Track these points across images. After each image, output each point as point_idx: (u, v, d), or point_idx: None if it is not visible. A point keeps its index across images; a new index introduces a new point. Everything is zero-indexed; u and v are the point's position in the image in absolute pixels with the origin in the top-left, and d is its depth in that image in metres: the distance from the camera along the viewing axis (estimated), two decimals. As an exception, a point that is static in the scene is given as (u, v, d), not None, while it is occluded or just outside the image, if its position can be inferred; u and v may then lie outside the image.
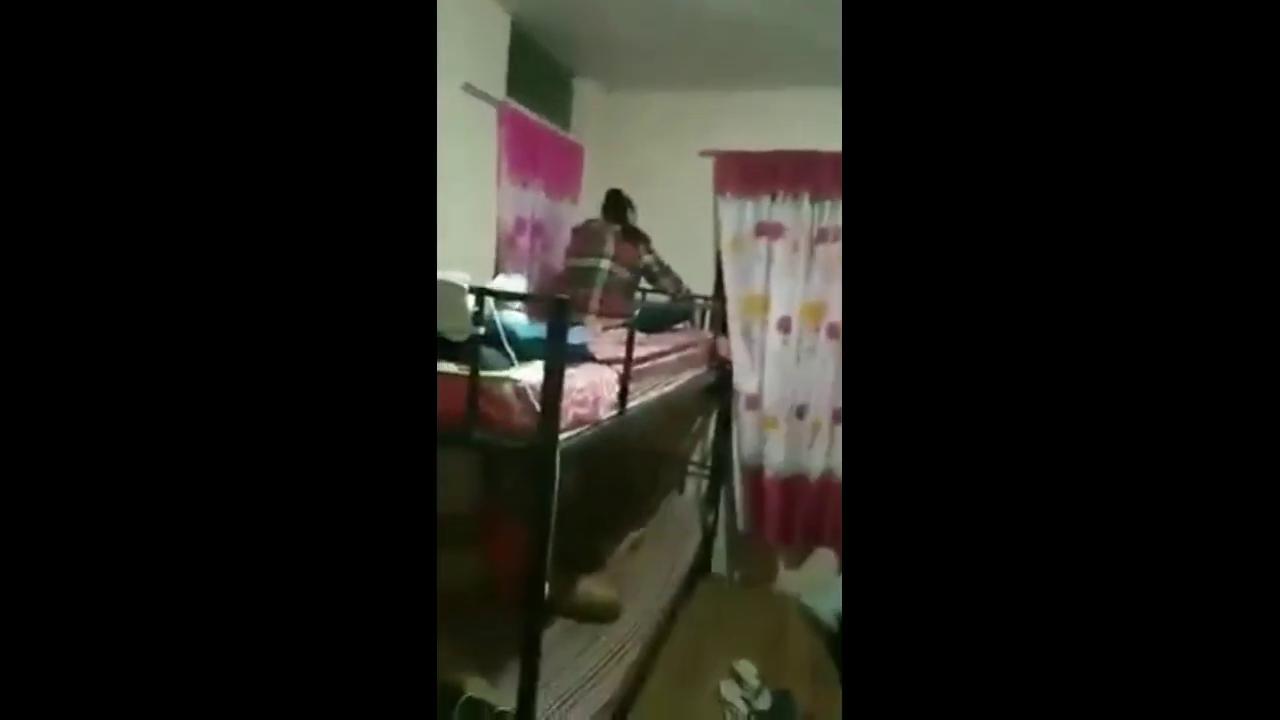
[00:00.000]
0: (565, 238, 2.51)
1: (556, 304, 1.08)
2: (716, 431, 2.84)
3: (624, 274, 2.23)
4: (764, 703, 1.99)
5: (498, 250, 2.27)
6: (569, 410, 1.18)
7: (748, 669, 2.13)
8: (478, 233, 2.21)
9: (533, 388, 1.11)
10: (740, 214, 2.64)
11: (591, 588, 1.84)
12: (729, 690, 2.04)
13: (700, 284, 2.64)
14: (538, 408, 1.10)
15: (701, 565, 2.76)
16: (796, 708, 1.99)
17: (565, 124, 2.76)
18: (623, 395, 1.43)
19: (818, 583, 2.64)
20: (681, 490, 2.94)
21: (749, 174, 2.62)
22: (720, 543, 2.89)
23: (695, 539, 2.62)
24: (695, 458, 2.94)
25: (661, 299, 2.43)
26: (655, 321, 2.13)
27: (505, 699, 1.26)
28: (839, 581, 2.49)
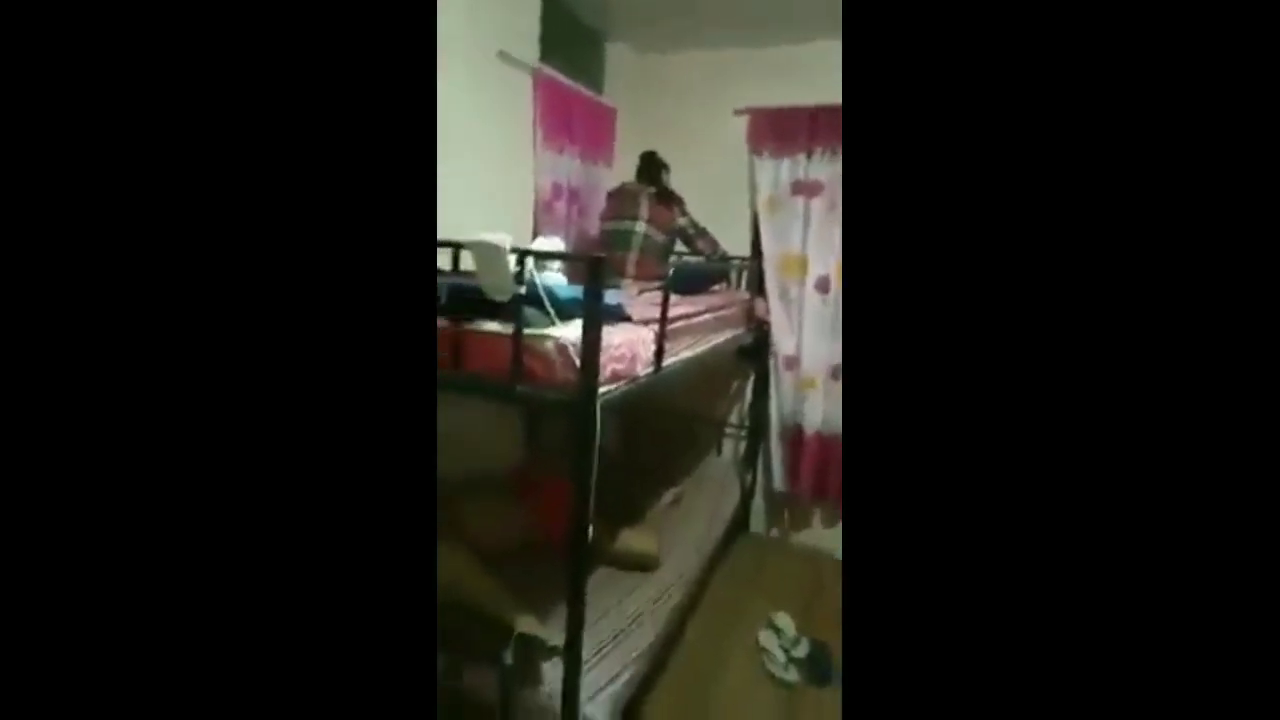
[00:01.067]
0: (600, 202, 2.53)
1: (593, 262, 1.12)
2: (754, 392, 2.87)
3: (659, 236, 2.24)
4: (801, 651, 2.06)
5: (535, 217, 2.32)
6: (607, 366, 1.23)
7: (785, 620, 2.20)
8: (515, 200, 2.26)
9: (573, 344, 1.17)
10: (776, 172, 2.61)
11: (632, 539, 1.92)
12: (767, 639, 2.11)
13: (736, 245, 2.64)
14: (577, 363, 1.15)
15: (740, 523, 2.82)
16: (832, 658, 2.05)
17: (598, 87, 2.76)
18: (659, 354, 1.47)
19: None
20: (720, 451, 2.99)
21: (784, 131, 2.58)
22: (758, 501, 2.94)
23: (734, 497, 2.68)
24: (733, 420, 2.98)
25: (697, 260, 2.44)
26: (691, 283, 2.15)
27: (554, 637, 1.35)
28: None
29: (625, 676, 1.47)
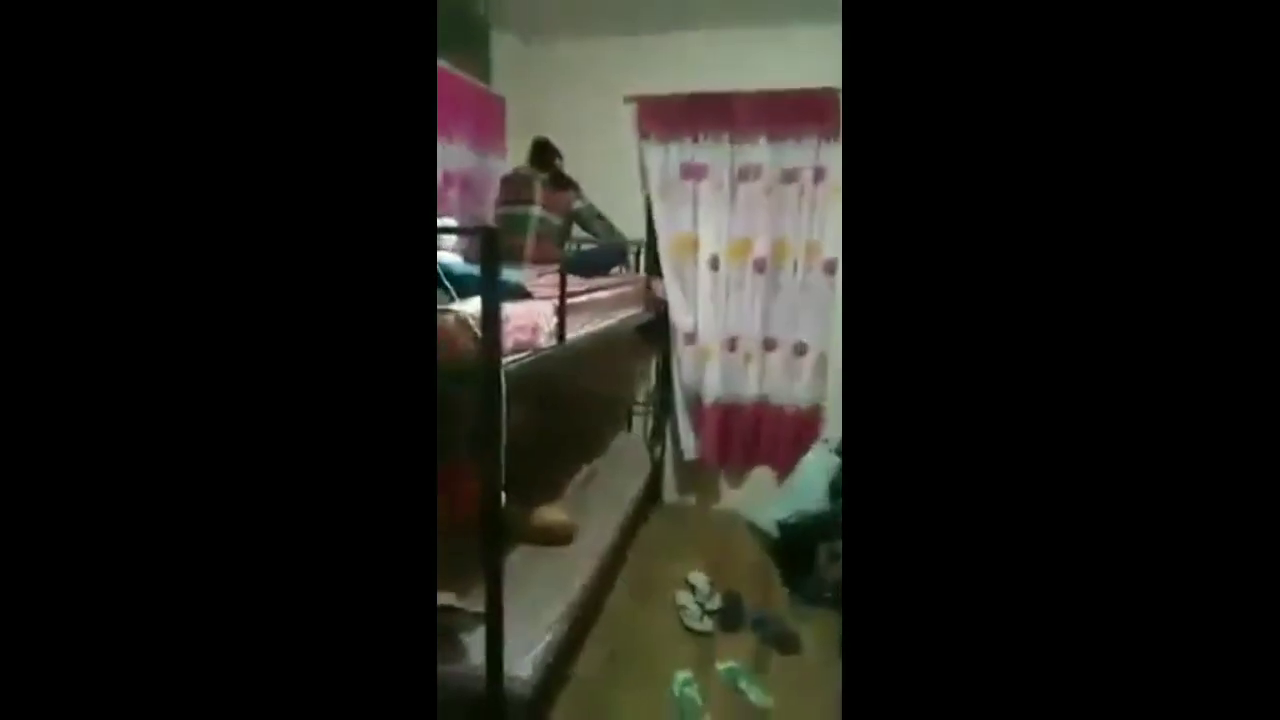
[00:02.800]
0: (494, 191, 2.54)
1: (486, 234, 1.17)
2: (657, 368, 3.00)
3: (555, 220, 2.30)
4: (714, 604, 2.20)
5: (428, 205, 2.29)
6: (509, 337, 1.28)
7: (699, 578, 2.34)
8: (406, 188, 2.22)
9: (473, 316, 1.20)
10: (665, 157, 2.73)
11: (546, 514, 1.97)
12: (684, 597, 2.24)
13: (631, 228, 2.74)
14: (479, 333, 1.19)
15: (653, 493, 2.94)
16: (745, 604, 2.21)
17: (485, 77, 2.75)
18: (560, 325, 1.53)
19: (758, 497, 2.87)
20: (629, 428, 3.10)
21: (670, 118, 2.70)
22: (668, 471, 3.08)
23: (645, 469, 2.79)
24: (640, 396, 3.09)
25: (594, 244, 2.51)
26: (589, 265, 2.22)
27: (473, 609, 1.39)
28: (777, 493, 2.72)
29: (547, 640, 1.53)
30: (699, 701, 1.74)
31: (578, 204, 2.40)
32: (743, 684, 1.81)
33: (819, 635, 2.09)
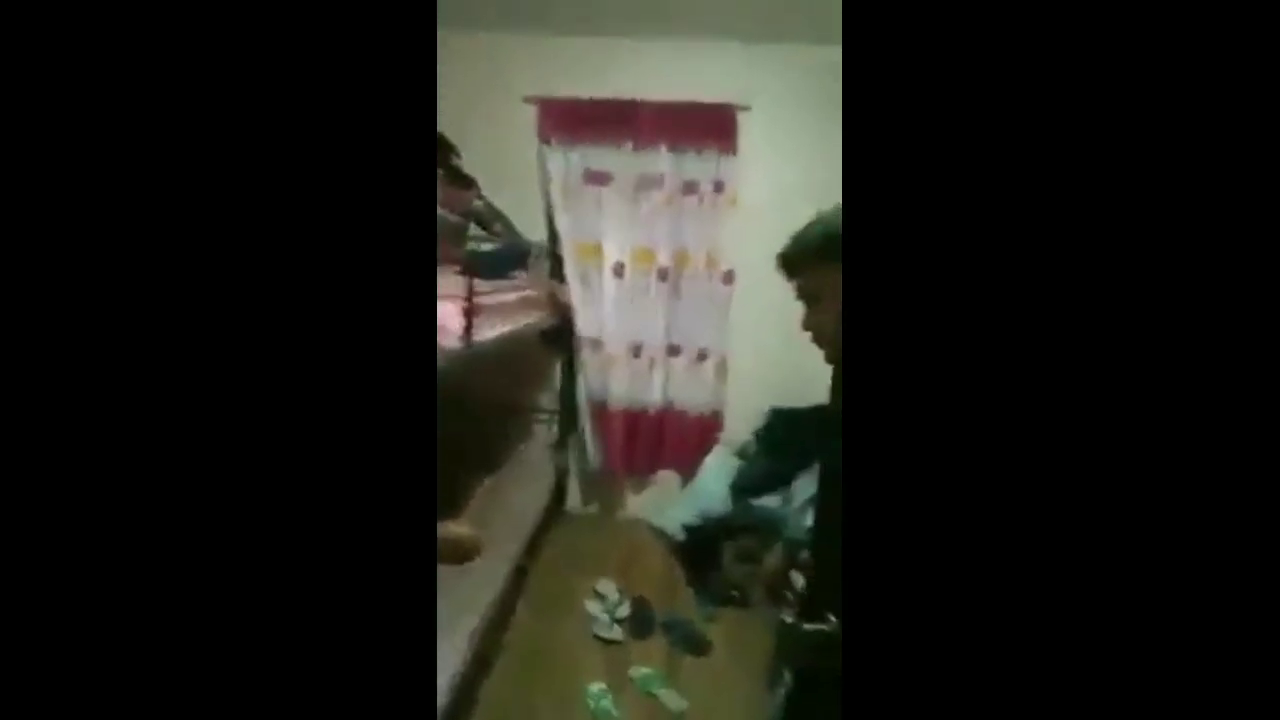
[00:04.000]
0: (386, 185, 2.38)
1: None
2: (562, 375, 2.94)
3: (452, 218, 2.18)
4: (623, 611, 2.19)
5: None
6: (414, 338, 1.19)
7: (608, 586, 2.32)
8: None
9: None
10: (567, 161, 2.70)
11: (451, 528, 1.86)
12: (593, 607, 2.20)
13: (530, 230, 2.68)
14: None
15: (557, 503, 2.88)
16: (653, 610, 2.22)
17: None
18: (468, 328, 1.45)
19: (662, 502, 2.89)
20: (533, 437, 3.01)
21: (573, 122, 2.67)
22: (573, 480, 3.02)
23: (549, 479, 2.72)
24: (544, 403, 3.02)
25: (494, 245, 2.42)
26: (489, 266, 2.13)
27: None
28: (681, 497, 2.76)
29: (457, 661, 1.43)
30: (615, 712, 1.70)
31: (476, 202, 2.30)
32: (656, 689, 1.80)
33: (727, 634, 2.13)
